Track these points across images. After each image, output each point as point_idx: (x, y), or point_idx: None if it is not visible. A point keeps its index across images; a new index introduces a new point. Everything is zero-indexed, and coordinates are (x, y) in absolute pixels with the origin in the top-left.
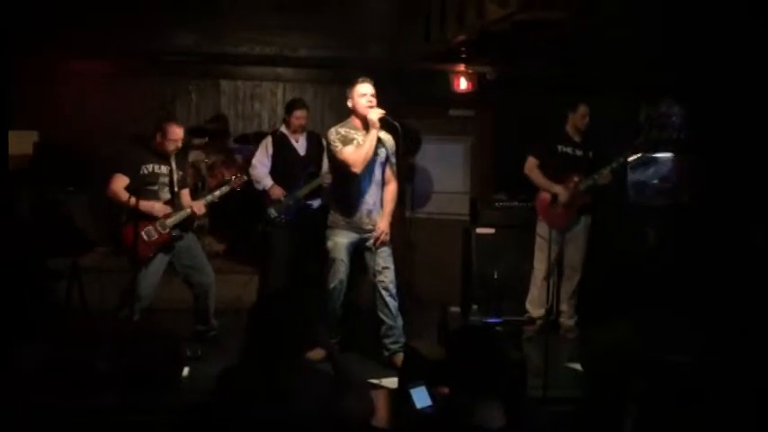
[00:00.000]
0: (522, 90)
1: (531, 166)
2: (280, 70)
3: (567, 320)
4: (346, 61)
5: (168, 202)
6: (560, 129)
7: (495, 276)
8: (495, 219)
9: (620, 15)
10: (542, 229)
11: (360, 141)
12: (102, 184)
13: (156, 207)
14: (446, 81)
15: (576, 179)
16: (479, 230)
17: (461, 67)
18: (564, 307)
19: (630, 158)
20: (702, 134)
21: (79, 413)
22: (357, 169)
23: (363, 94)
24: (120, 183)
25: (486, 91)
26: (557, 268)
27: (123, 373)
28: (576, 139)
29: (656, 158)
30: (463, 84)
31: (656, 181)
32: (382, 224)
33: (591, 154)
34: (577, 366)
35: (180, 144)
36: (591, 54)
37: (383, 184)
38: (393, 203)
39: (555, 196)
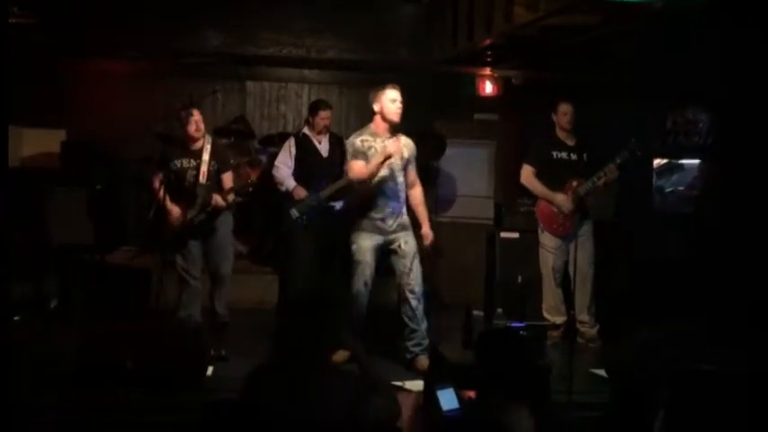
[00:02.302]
0: (547, 95)
1: (527, 174)
2: (305, 72)
3: (588, 330)
4: (372, 64)
5: (191, 196)
6: (551, 134)
7: (519, 280)
8: (519, 223)
9: (649, 21)
10: (546, 238)
11: (377, 149)
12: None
13: (174, 211)
14: (472, 85)
15: (574, 184)
16: (503, 234)
17: (487, 71)
18: (584, 317)
19: (628, 153)
20: (729, 141)
21: (106, 410)
22: (357, 183)
23: (394, 99)
24: (155, 181)
25: (511, 95)
26: (566, 275)
27: (150, 372)
28: (570, 143)
29: (681, 165)
30: (489, 88)
31: (681, 188)
32: (426, 229)
33: (585, 157)
34: (602, 372)
35: (201, 125)
36: (618, 60)
37: (406, 186)
38: (425, 205)
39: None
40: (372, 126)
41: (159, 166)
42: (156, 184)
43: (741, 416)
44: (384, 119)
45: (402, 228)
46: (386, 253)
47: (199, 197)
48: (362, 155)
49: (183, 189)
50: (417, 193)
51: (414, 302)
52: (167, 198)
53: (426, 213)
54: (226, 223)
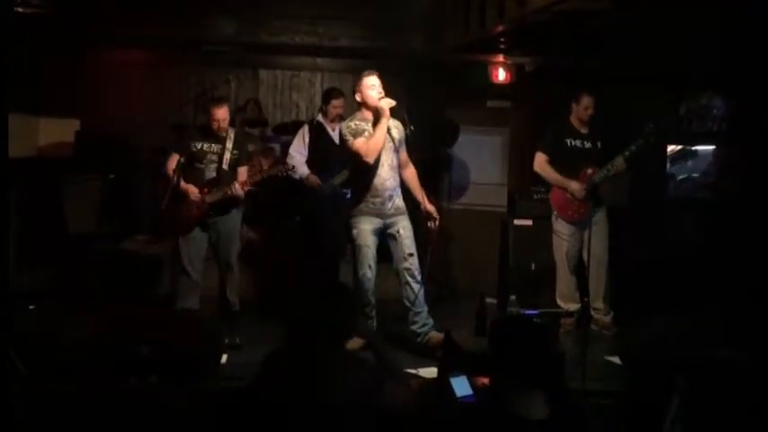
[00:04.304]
0: (560, 82)
1: (540, 162)
2: (318, 60)
3: (603, 317)
4: (385, 51)
5: (213, 180)
6: (566, 121)
7: (533, 268)
8: (532, 210)
9: (662, 7)
10: (560, 225)
11: (371, 132)
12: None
13: (191, 189)
14: (484, 72)
15: (589, 171)
16: (517, 222)
17: (500, 58)
18: (598, 304)
19: (643, 140)
20: (744, 127)
21: (122, 397)
22: (370, 159)
23: (372, 85)
24: (172, 161)
25: (524, 82)
26: (579, 263)
27: (165, 360)
28: (583, 130)
29: (695, 152)
30: (501, 75)
31: (696, 174)
32: (428, 207)
33: (599, 144)
34: (616, 360)
35: (224, 124)
36: (631, 46)
37: (399, 168)
38: (419, 185)
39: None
40: (361, 114)
41: (177, 148)
42: (172, 166)
43: (756, 403)
44: (367, 107)
45: (399, 211)
46: (384, 237)
47: (221, 182)
48: (360, 134)
49: (196, 171)
50: (411, 174)
51: (415, 286)
52: (182, 181)
53: (421, 191)
54: (235, 213)
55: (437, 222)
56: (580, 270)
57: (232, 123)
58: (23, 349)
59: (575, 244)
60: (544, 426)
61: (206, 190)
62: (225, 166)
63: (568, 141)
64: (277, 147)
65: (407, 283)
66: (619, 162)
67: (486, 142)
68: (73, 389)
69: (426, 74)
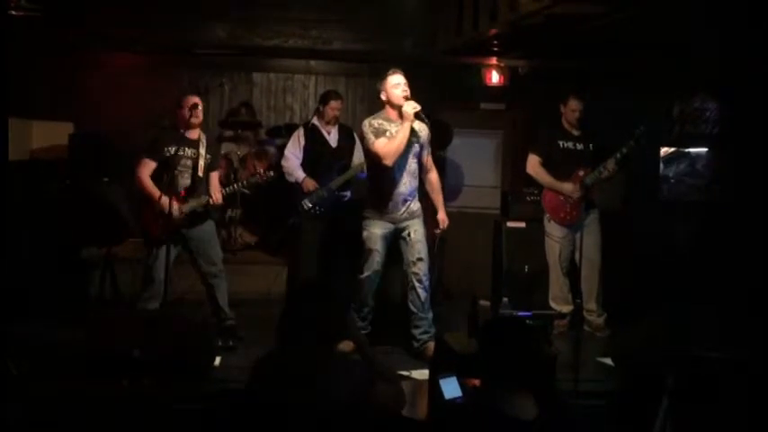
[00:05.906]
0: (554, 84)
1: (534, 164)
2: (312, 63)
3: (596, 319)
4: (379, 54)
5: (188, 188)
6: (558, 124)
7: (526, 270)
8: (525, 212)
9: (656, 10)
10: (552, 228)
11: (392, 133)
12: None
13: (166, 206)
14: (478, 74)
15: (581, 173)
16: (510, 224)
17: (493, 61)
18: (591, 306)
19: (633, 142)
20: (737, 129)
21: (114, 399)
22: (389, 162)
23: (397, 84)
24: (146, 168)
25: (518, 85)
26: (572, 265)
27: (158, 362)
28: (576, 132)
29: (688, 154)
30: (495, 77)
31: (689, 177)
32: (442, 215)
33: (591, 146)
34: (608, 361)
35: (199, 114)
36: (624, 49)
37: (420, 173)
38: (441, 192)
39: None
40: (385, 113)
41: (150, 153)
42: (146, 174)
43: (744, 403)
44: (392, 105)
45: (412, 215)
46: (395, 240)
47: (196, 190)
48: (382, 134)
49: (171, 179)
50: (434, 179)
51: (421, 291)
52: (157, 191)
53: (441, 199)
54: (209, 220)
55: (442, 232)
56: (573, 272)
57: (223, 125)
58: (17, 351)
59: (567, 246)
60: (533, 426)
61: (182, 199)
62: (200, 173)
63: (561, 143)
64: (271, 150)
65: (414, 287)
66: (610, 164)
67: (480, 145)
68: (66, 391)
69: (419, 76)
